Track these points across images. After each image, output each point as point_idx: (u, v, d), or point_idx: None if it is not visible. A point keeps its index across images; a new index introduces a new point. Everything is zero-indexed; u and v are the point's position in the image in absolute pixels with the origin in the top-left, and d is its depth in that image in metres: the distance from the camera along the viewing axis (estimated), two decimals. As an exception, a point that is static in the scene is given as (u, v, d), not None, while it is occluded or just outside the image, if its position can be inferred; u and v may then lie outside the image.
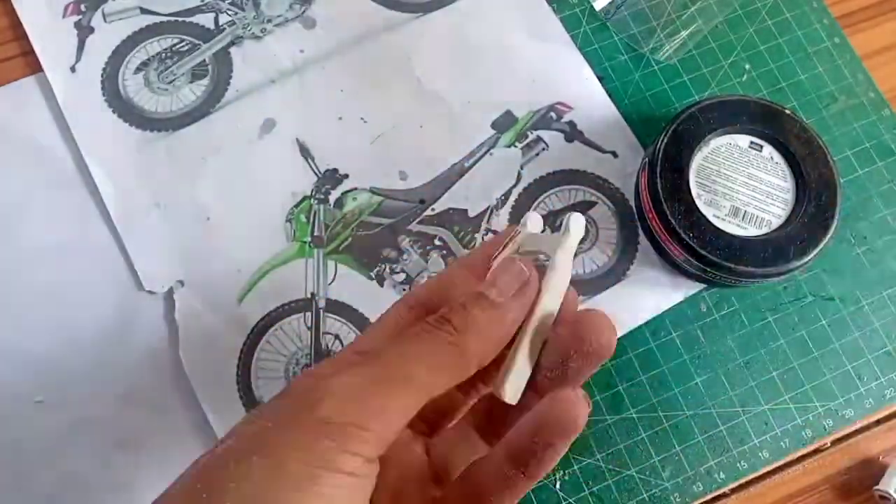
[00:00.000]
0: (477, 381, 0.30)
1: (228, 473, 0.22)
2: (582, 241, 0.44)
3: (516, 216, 0.45)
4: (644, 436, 0.41)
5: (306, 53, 0.47)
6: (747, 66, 0.48)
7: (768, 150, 0.43)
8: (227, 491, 0.21)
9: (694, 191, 0.42)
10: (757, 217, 0.42)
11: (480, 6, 0.48)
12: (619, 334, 0.43)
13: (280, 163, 0.45)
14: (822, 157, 0.42)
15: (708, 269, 0.41)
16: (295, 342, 0.42)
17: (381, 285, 0.43)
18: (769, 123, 0.43)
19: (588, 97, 0.47)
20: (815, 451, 0.42)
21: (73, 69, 0.45)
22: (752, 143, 0.43)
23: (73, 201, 0.43)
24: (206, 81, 0.46)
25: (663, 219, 0.41)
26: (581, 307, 0.43)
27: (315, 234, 0.44)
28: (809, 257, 0.41)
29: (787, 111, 0.43)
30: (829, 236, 0.41)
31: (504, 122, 0.46)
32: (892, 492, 0.40)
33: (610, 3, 0.49)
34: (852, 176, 0.47)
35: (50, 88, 0.45)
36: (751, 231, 0.42)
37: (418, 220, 0.44)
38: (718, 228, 0.41)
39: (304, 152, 0.45)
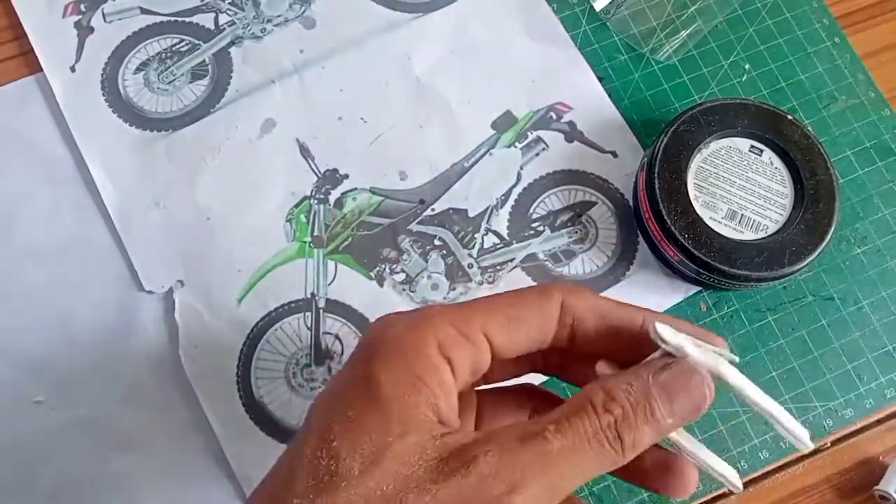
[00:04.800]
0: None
1: None
2: (581, 241, 0.45)
3: (516, 216, 0.45)
4: (644, 436, 0.41)
5: (306, 53, 0.47)
6: (747, 66, 0.48)
7: (768, 154, 0.43)
8: None
9: (692, 192, 0.42)
10: (754, 221, 0.42)
11: (480, 6, 0.48)
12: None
13: (280, 163, 0.45)
14: (822, 165, 0.42)
15: (702, 272, 0.41)
16: (295, 342, 0.42)
17: (381, 285, 0.43)
18: (770, 128, 0.43)
19: (588, 97, 0.47)
20: (815, 451, 0.42)
21: (73, 69, 0.45)
22: (752, 146, 0.43)
23: (72, 201, 0.43)
24: (206, 81, 0.46)
25: (660, 219, 0.41)
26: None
27: (315, 234, 0.44)
28: (804, 264, 0.41)
29: (790, 116, 0.43)
30: (825, 244, 0.41)
31: (504, 122, 0.46)
32: (892, 492, 0.40)
33: (610, 2, 0.49)
34: (852, 176, 0.47)
35: (50, 88, 0.45)
36: (747, 235, 0.42)
37: (418, 220, 0.44)
38: (714, 231, 0.41)
39: (304, 152, 0.45)
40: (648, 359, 0.26)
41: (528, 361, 0.30)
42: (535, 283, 0.44)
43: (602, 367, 0.27)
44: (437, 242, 0.44)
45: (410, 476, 0.22)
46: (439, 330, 0.25)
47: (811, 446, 0.27)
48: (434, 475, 0.22)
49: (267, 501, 0.24)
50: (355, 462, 0.22)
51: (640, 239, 0.45)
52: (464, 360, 0.25)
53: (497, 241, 0.44)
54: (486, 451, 0.23)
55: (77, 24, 0.46)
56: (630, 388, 0.24)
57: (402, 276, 0.43)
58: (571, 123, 0.46)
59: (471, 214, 0.45)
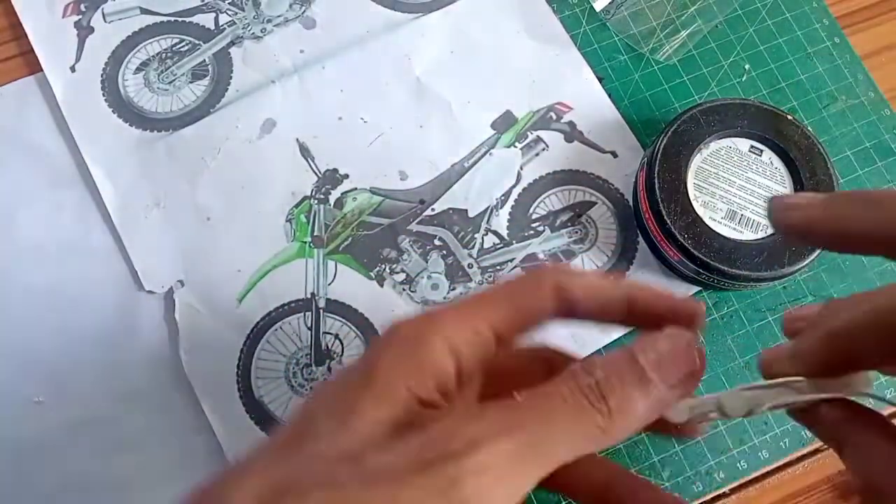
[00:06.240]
0: None
1: None
2: (581, 241, 0.45)
3: (516, 216, 0.45)
4: (644, 436, 0.41)
5: (306, 53, 0.47)
6: (747, 67, 0.48)
7: (768, 154, 0.43)
8: None
9: (691, 192, 0.42)
10: (753, 221, 0.42)
11: (480, 6, 0.48)
12: (619, 335, 0.43)
13: (280, 163, 0.45)
14: (822, 165, 0.42)
15: (702, 272, 0.41)
16: (295, 342, 0.42)
17: (381, 285, 0.43)
18: (770, 128, 0.43)
19: (588, 97, 0.47)
20: (815, 451, 0.42)
21: (72, 69, 0.45)
22: (752, 146, 0.43)
23: (73, 201, 0.43)
24: (206, 81, 0.46)
25: (659, 219, 0.41)
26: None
27: (315, 234, 0.44)
28: (804, 264, 0.41)
29: (789, 116, 0.43)
30: None
31: (504, 122, 0.46)
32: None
33: (610, 3, 0.49)
34: (852, 176, 0.47)
35: (50, 88, 0.45)
36: (746, 235, 0.42)
37: (418, 220, 0.44)
38: (714, 231, 0.41)
39: (304, 152, 0.45)
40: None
41: None
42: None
43: None
44: (437, 242, 0.44)
45: (373, 434, 0.23)
46: (449, 327, 0.25)
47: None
48: (396, 432, 0.23)
49: (237, 465, 0.24)
50: (327, 424, 0.23)
51: (640, 239, 0.45)
52: (473, 355, 0.25)
53: (497, 241, 0.44)
54: (448, 412, 0.23)
55: (77, 24, 0.46)
56: (613, 357, 0.24)
57: (402, 276, 0.43)
58: (571, 123, 0.46)
59: (471, 214, 0.45)
